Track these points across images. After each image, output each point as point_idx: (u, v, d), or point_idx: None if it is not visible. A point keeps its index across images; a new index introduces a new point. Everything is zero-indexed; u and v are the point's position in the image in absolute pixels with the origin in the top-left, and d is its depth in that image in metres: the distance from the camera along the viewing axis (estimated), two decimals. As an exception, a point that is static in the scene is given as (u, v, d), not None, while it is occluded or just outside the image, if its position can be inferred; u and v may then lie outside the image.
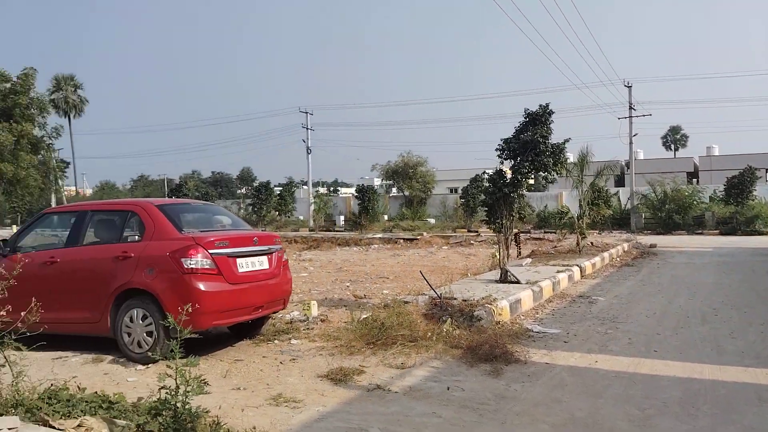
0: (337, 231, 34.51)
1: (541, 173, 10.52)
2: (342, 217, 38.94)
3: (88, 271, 6.66)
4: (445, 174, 50.77)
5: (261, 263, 6.99)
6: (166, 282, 6.24)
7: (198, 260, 6.26)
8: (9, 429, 3.21)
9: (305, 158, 44.72)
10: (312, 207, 39.59)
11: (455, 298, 8.50)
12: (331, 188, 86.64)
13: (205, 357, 6.52)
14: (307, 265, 17.54)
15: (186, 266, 6.20)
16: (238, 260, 6.65)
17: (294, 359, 6.53)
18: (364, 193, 35.74)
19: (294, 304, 9.04)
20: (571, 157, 14.99)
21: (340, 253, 23.17)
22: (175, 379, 3.80)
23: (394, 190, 46.20)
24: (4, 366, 4.26)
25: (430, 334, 7.06)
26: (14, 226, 42.17)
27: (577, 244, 17.21)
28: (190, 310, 4.07)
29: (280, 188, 39.38)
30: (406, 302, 8.45)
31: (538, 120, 10.34)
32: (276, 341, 7.34)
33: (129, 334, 6.38)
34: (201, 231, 6.85)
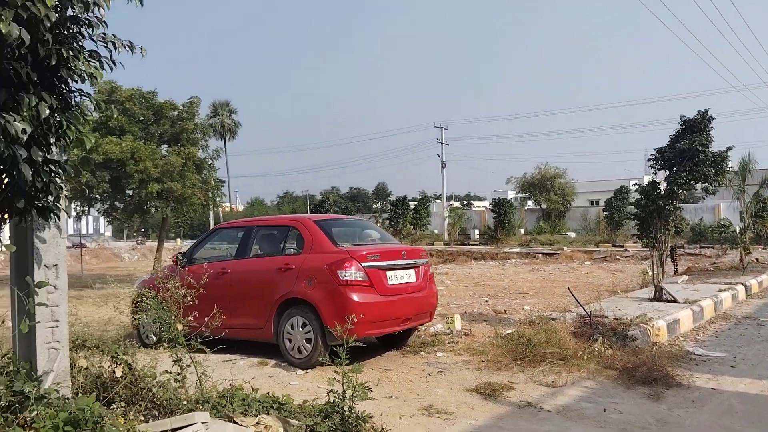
0: (471, 245, 34.35)
1: (699, 184, 9.80)
2: (476, 231, 38.69)
3: (254, 281, 7.28)
4: (585, 186, 48.65)
5: (409, 276, 7.21)
6: (323, 292, 6.65)
7: (352, 272, 6.61)
8: (203, 423, 3.62)
9: (438, 172, 45.17)
10: (447, 221, 39.78)
11: (606, 317, 8.16)
12: (464, 202, 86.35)
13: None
14: (443, 279, 17.64)
15: (341, 278, 6.57)
16: (388, 273, 6.92)
17: (441, 371, 6.65)
18: (500, 206, 35.24)
19: (436, 317, 9.18)
20: (732, 164, 13.73)
21: (476, 267, 23.02)
22: (342, 384, 4.07)
23: (529, 203, 45.11)
24: (189, 366, 4.78)
25: (580, 353, 6.85)
26: (177, 240, 46.71)
27: (741, 260, 15.72)
28: (355, 319, 4.29)
29: (415, 202, 39.99)
30: (553, 319, 8.25)
31: (695, 127, 9.65)
32: (422, 353, 7.51)
33: (290, 341, 6.87)
34: (354, 245, 7.23)
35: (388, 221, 37.79)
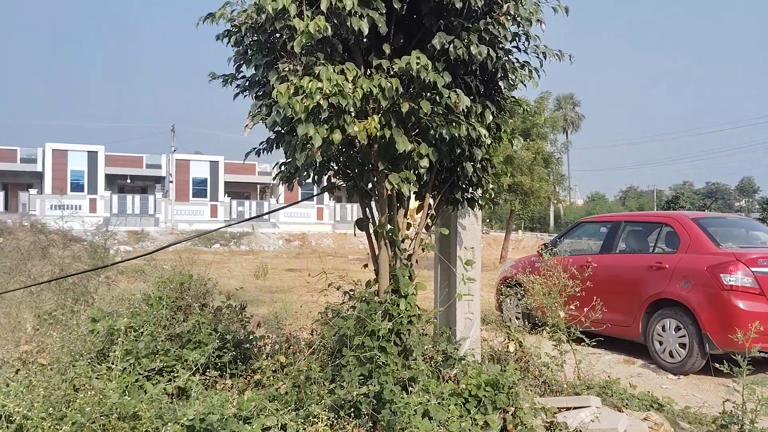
0: None
1: None
2: None
3: (621, 277, 7.15)
4: None
5: (815, 287, 6.18)
6: (701, 296, 6.19)
7: (738, 277, 5.99)
8: (596, 408, 3.79)
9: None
10: None
11: None
12: None
13: (735, 380, 6.22)
14: None
15: (725, 282, 6.01)
16: (784, 281, 6.05)
17: None
18: None
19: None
20: None
21: None
22: (742, 395, 3.77)
23: None
24: (568, 352, 5.00)
25: None
26: (519, 231, 48.25)
27: None
28: (761, 328, 3.90)
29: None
30: None
31: None
32: (827, 379, 6.37)
33: (660, 343, 6.57)
34: (740, 246, 6.53)
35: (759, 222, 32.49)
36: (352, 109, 2.69)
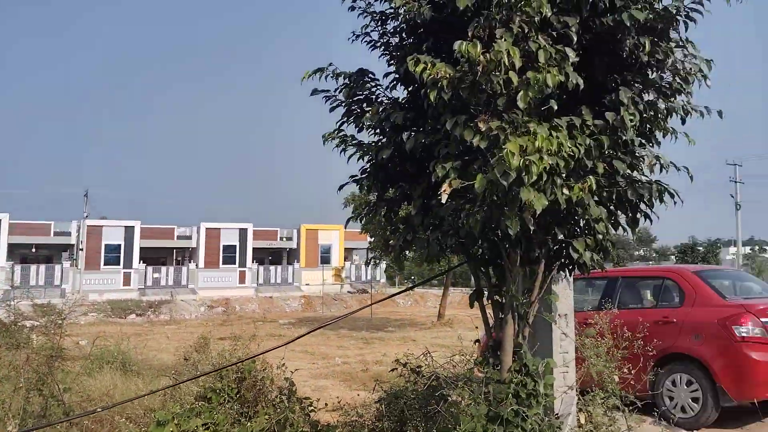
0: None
1: None
2: (784, 282, 33.22)
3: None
4: None
5: (814, 334, 6.41)
6: (714, 349, 6.25)
7: (749, 328, 6.12)
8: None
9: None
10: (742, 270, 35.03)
11: None
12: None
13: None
14: None
15: (737, 334, 6.12)
16: (789, 330, 6.24)
17: None
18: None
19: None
20: None
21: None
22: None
23: None
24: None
25: None
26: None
27: None
28: None
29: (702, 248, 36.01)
30: None
31: None
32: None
33: (671, 398, 6.53)
34: (744, 298, 6.71)
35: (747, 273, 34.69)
36: (563, 172, 2.43)
